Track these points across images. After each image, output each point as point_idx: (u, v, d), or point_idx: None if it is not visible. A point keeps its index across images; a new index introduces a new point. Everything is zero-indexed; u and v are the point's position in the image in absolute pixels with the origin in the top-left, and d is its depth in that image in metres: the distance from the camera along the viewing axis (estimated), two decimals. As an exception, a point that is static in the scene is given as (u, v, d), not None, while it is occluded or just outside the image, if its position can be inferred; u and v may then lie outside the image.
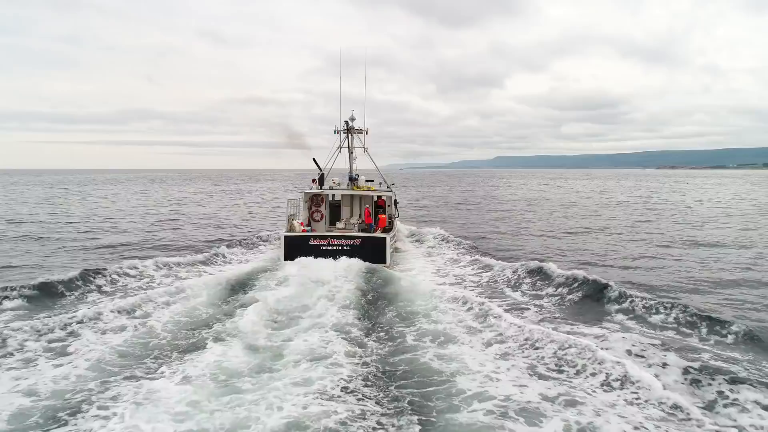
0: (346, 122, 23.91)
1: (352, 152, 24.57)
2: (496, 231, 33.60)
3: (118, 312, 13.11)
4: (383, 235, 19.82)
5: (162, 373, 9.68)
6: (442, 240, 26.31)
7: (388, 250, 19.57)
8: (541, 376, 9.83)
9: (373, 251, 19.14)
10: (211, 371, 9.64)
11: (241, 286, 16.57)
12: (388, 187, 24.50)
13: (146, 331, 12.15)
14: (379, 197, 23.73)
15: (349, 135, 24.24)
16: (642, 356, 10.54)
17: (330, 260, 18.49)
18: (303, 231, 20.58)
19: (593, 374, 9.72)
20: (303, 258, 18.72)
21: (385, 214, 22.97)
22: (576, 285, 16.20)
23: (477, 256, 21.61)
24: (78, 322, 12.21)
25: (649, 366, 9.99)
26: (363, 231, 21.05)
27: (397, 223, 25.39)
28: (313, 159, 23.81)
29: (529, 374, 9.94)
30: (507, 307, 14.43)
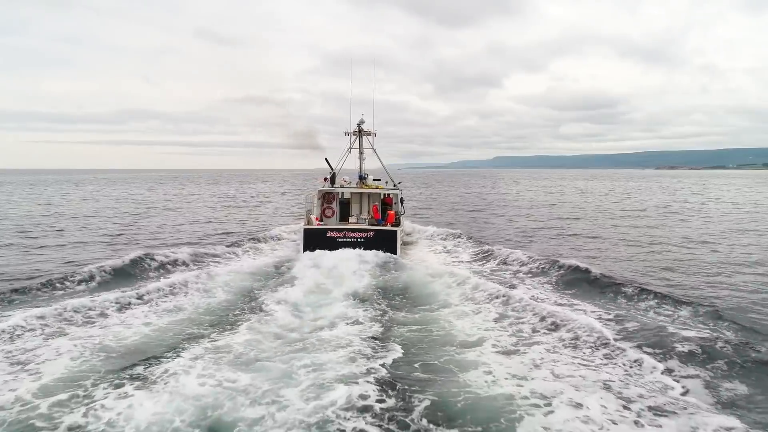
0: (358, 125, 25.71)
1: (361, 153, 26.20)
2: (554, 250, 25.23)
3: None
4: (394, 228, 21.70)
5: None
6: (449, 236, 27.83)
7: (399, 242, 21.38)
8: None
9: (384, 243, 20.78)
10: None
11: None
12: (395, 186, 25.59)
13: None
14: (386, 195, 25.07)
15: (360, 137, 26.04)
16: None
17: (346, 252, 19.97)
18: (318, 225, 22.28)
19: None
20: (320, 251, 20.03)
21: (392, 210, 24.10)
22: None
23: (486, 246, 22.85)
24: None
25: None
26: (373, 225, 22.49)
27: (404, 220, 26.93)
28: (326, 159, 25.41)
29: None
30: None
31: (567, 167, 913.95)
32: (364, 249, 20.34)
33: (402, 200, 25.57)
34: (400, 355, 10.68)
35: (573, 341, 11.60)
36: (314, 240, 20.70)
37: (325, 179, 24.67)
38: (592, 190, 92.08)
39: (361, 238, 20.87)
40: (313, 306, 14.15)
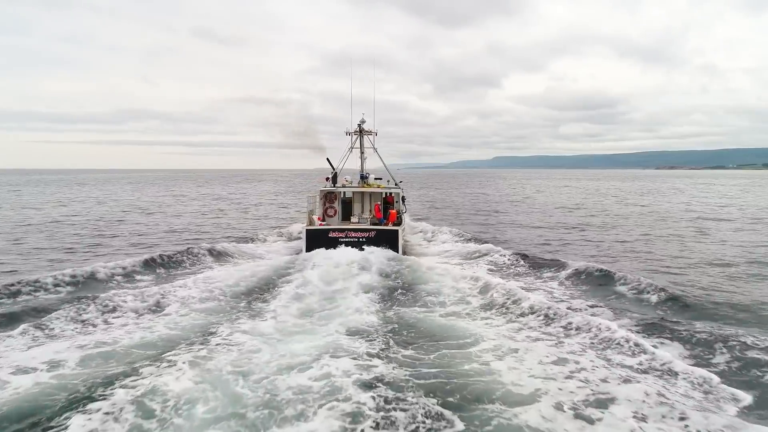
0: (359, 124, 25.80)
1: (363, 152, 26.36)
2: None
3: None
4: (395, 228, 21.73)
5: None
6: (462, 240, 26.54)
7: (400, 241, 21.48)
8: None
9: (386, 242, 20.87)
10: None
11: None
12: (396, 185, 25.52)
13: None
14: (388, 194, 25.06)
15: (360, 136, 26.17)
16: None
17: (349, 250, 19.88)
18: (320, 225, 22.31)
19: None
20: (323, 250, 19.96)
21: (394, 209, 24.04)
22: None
23: (509, 256, 21.17)
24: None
25: None
26: (375, 225, 22.48)
27: (406, 219, 26.95)
28: (327, 159, 25.78)
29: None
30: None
31: (567, 167, 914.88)
32: (366, 248, 20.60)
33: (403, 199, 25.79)
34: (422, 419, 7.18)
35: (686, 395, 8.07)
36: (317, 240, 20.78)
37: (327, 179, 24.89)
38: (602, 191, 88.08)
39: (363, 237, 21.10)
40: (292, 340, 10.54)
